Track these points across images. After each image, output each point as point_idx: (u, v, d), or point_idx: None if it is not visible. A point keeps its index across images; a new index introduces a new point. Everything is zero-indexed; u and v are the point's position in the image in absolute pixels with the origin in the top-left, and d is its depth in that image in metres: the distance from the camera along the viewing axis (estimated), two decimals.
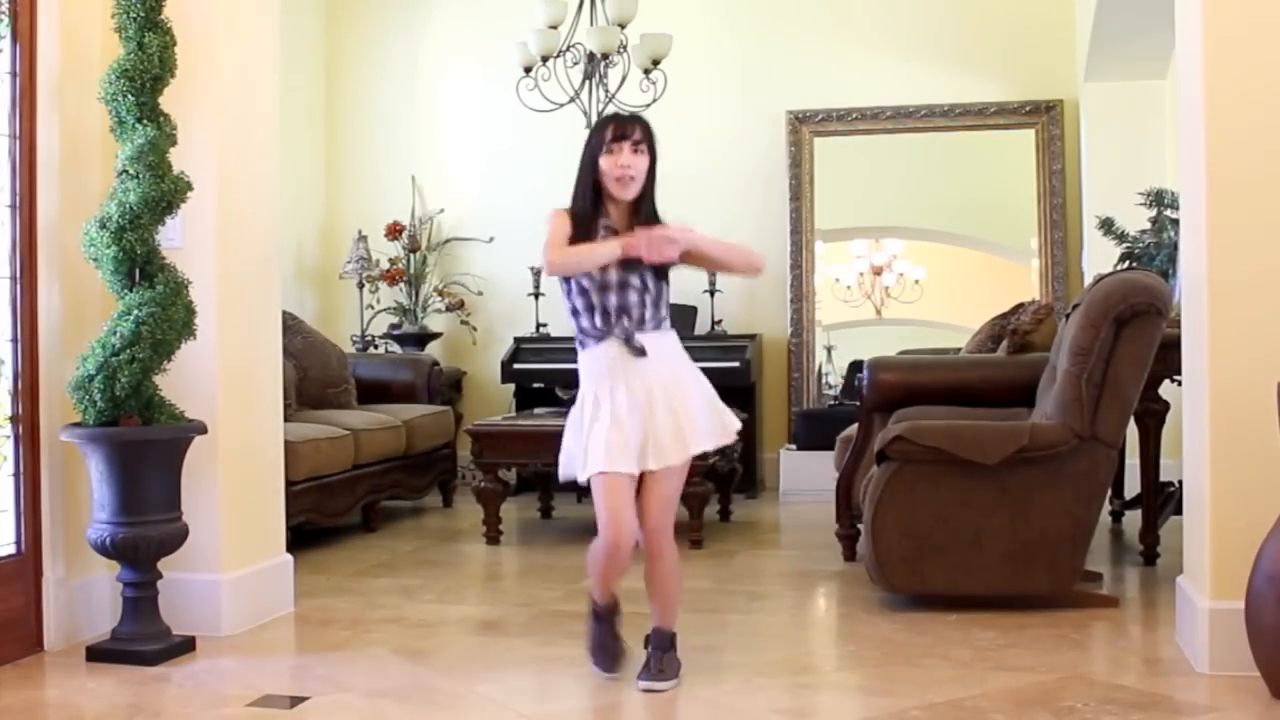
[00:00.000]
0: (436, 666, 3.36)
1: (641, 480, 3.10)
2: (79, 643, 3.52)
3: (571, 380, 3.40)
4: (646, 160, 3.15)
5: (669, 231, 3.08)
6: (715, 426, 3.15)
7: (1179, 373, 3.66)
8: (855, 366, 7.06)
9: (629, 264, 3.07)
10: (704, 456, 4.92)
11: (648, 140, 3.16)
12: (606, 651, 3.25)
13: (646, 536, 3.14)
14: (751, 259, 3.26)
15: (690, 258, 3.16)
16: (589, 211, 3.14)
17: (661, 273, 3.15)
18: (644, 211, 3.16)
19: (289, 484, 4.46)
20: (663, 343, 3.14)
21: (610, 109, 6.19)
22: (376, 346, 7.47)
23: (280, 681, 3.28)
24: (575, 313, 3.14)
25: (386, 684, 3.18)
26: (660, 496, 3.12)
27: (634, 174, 3.11)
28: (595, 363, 3.13)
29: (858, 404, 5.02)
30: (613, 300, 3.09)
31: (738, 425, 3.20)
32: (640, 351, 3.08)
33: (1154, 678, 3.17)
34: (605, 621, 3.26)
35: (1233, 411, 3.12)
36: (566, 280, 3.13)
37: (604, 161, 3.11)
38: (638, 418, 3.06)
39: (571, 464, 3.15)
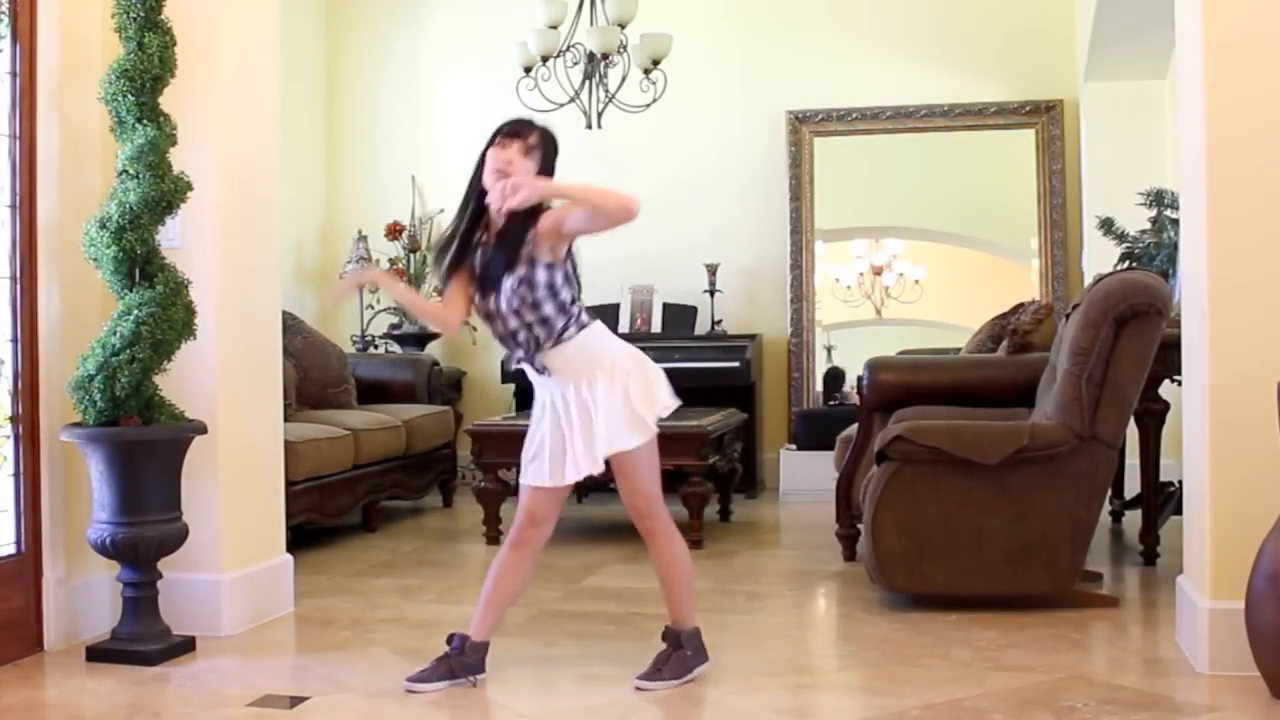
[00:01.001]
0: None
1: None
2: (79, 643, 3.52)
3: None
4: (532, 167, 3.03)
5: (516, 179, 2.96)
6: (618, 434, 3.06)
7: (1179, 373, 3.66)
8: (832, 374, 7.05)
9: (485, 288, 3.03)
10: (703, 456, 4.90)
11: (543, 149, 3.06)
12: (426, 671, 3.13)
13: (638, 525, 3.19)
14: (620, 199, 2.96)
15: (557, 223, 3.00)
16: (468, 226, 3.09)
17: (527, 295, 3.00)
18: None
19: (289, 484, 4.46)
20: (565, 355, 3.06)
21: (610, 109, 6.20)
22: (376, 346, 7.46)
23: (280, 681, 3.28)
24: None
25: (386, 684, 3.18)
26: (626, 488, 3.14)
27: (511, 171, 2.99)
28: (530, 376, 3.19)
29: (856, 404, 5.01)
30: (497, 329, 3.10)
31: (608, 452, 3.06)
32: (541, 370, 3.10)
33: (1154, 678, 3.17)
34: (469, 658, 3.13)
35: (1233, 411, 3.11)
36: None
37: (490, 152, 3.03)
38: (558, 429, 3.08)
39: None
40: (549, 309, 3.04)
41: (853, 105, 7.21)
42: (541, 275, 3.02)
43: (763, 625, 3.92)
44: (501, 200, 2.96)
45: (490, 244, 3.07)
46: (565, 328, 3.05)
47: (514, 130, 3.06)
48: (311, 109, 7.69)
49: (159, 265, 3.40)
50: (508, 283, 3.01)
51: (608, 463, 3.07)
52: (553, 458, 3.08)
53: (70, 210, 3.57)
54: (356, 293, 2.91)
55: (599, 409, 3.05)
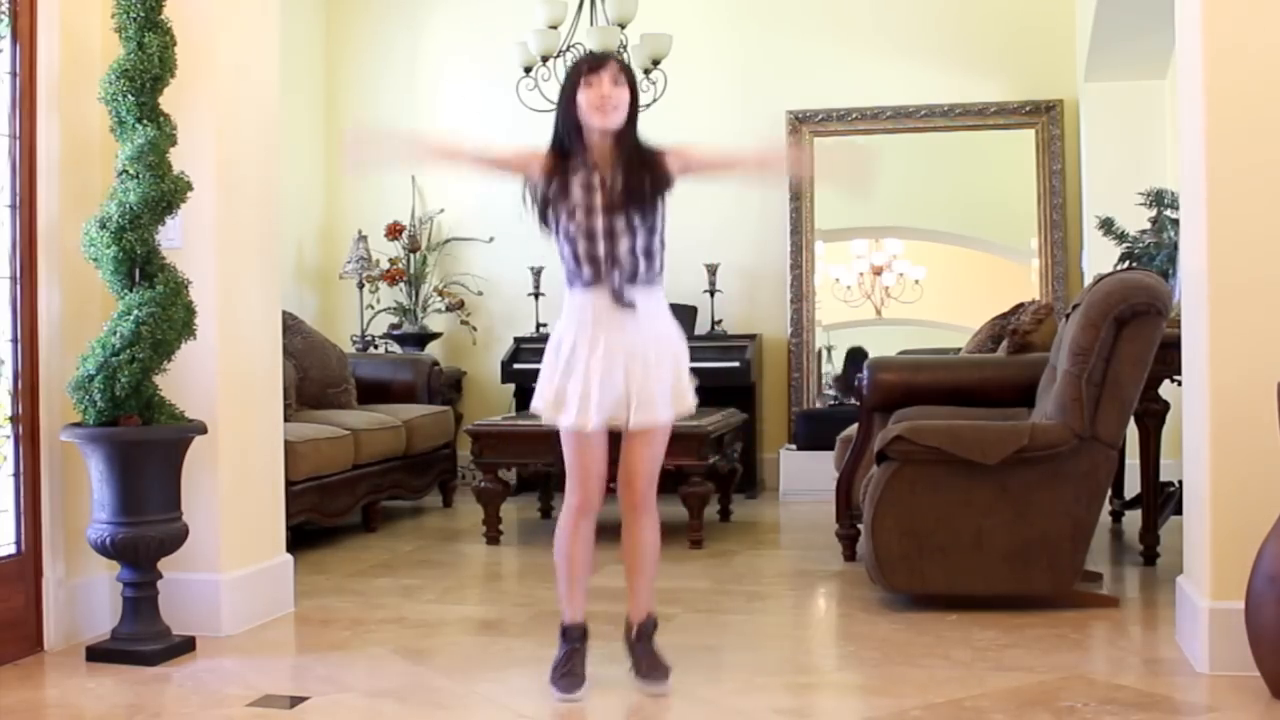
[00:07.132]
0: (436, 666, 3.36)
1: (624, 442, 3.07)
2: (79, 643, 3.52)
3: None
4: (626, 93, 3.04)
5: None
6: (683, 394, 3.09)
7: (1179, 373, 3.66)
8: (854, 353, 7.04)
9: (614, 210, 2.99)
10: (703, 456, 4.90)
11: (626, 75, 3.07)
12: (573, 676, 3.10)
13: (629, 500, 3.11)
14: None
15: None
16: (569, 149, 3.05)
17: (650, 224, 3.04)
18: (627, 145, 3.04)
19: (289, 484, 4.46)
20: (651, 299, 3.06)
21: None
22: (376, 346, 7.47)
23: (280, 681, 3.29)
24: (563, 256, 3.07)
25: (386, 684, 3.18)
26: (645, 456, 3.08)
27: (615, 103, 3.01)
28: (580, 311, 3.04)
29: (857, 403, 5.01)
30: (601, 249, 2.99)
31: (691, 406, 3.12)
32: (629, 305, 3.01)
33: (1154, 678, 3.17)
34: (574, 645, 3.13)
35: (1233, 411, 3.11)
36: (556, 225, 3.04)
37: (582, 95, 3.01)
38: (619, 373, 2.99)
39: (544, 403, 3.10)
40: (658, 243, 3.08)
41: (853, 105, 7.21)
42: (663, 212, 3.08)
43: (763, 625, 3.92)
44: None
45: (621, 168, 3.03)
46: (660, 271, 3.10)
47: (596, 66, 3.03)
48: (311, 109, 7.69)
49: (159, 265, 3.40)
50: (645, 203, 3.03)
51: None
52: (614, 405, 3.01)
53: (70, 210, 3.57)
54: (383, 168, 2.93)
55: (680, 362, 3.07)
